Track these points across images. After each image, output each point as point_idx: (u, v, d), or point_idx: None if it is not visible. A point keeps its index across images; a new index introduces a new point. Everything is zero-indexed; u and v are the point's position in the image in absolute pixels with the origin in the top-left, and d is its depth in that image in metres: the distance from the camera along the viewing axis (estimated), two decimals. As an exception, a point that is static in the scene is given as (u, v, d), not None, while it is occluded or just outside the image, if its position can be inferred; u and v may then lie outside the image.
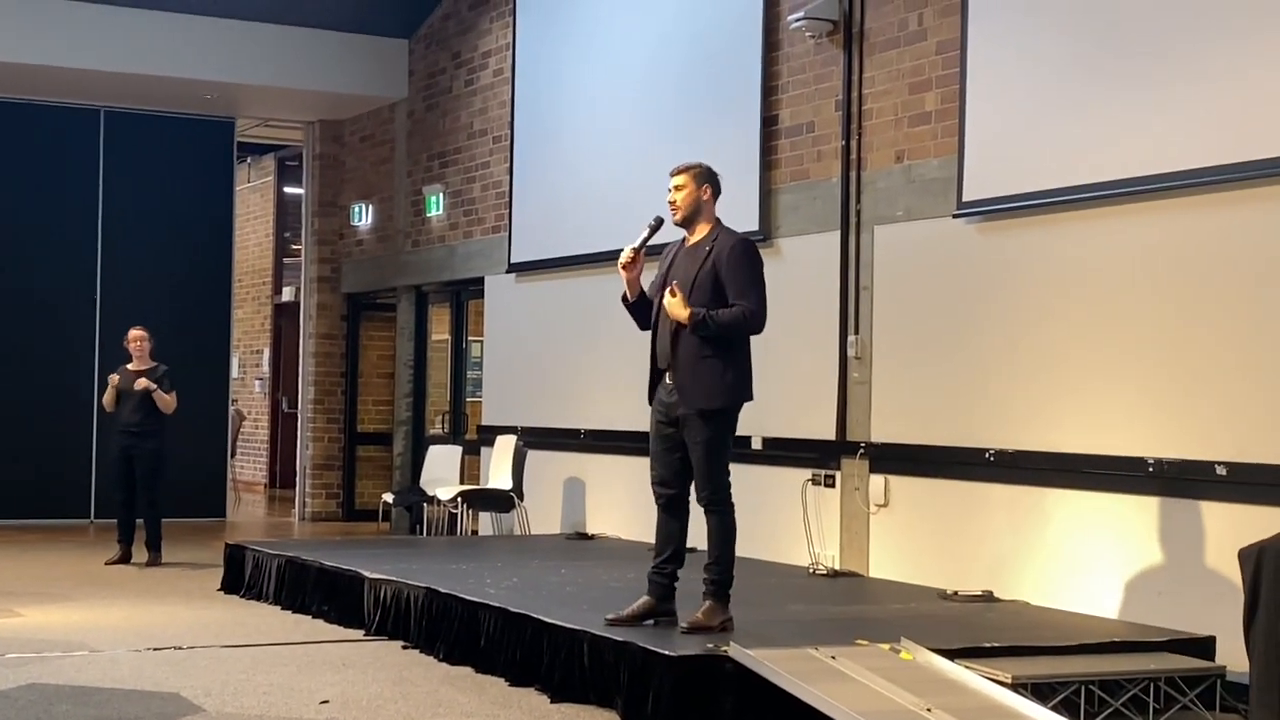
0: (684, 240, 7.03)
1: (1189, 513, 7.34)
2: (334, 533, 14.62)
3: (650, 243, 7.00)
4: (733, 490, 6.89)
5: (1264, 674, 5.55)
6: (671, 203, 6.95)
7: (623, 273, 6.95)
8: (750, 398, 6.95)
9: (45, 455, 14.92)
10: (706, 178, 6.95)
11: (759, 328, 6.83)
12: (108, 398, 11.71)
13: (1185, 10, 7.54)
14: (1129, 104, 7.76)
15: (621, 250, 6.96)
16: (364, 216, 15.86)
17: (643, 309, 7.03)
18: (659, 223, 7.00)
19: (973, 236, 8.69)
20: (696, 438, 6.80)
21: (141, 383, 11.42)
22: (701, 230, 6.94)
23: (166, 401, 11.52)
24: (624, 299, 7.06)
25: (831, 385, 9.49)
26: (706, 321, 6.71)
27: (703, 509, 6.88)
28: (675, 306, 6.75)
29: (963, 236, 8.73)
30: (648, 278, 7.06)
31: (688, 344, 6.80)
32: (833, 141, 9.67)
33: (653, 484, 7.01)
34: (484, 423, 13.42)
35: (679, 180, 6.95)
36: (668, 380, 6.88)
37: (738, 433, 7.01)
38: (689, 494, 6.97)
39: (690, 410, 6.78)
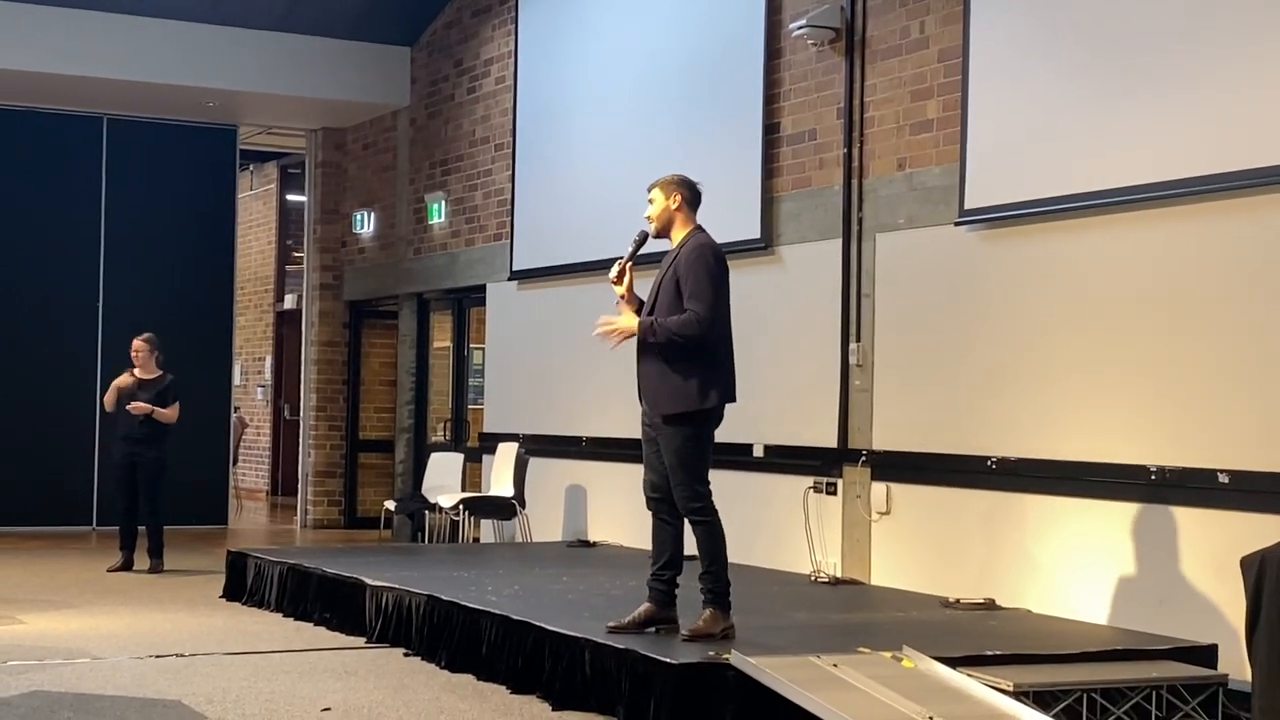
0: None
1: (1191, 521, 7.34)
2: (336, 540, 14.62)
3: (644, 253, 7.06)
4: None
5: (1266, 682, 5.54)
6: (647, 216, 7.08)
7: (615, 288, 7.01)
8: (729, 399, 6.93)
9: (48, 462, 14.92)
10: (675, 187, 7.03)
11: (704, 331, 6.76)
12: (109, 398, 11.73)
13: (1188, 19, 7.55)
14: (1131, 112, 7.77)
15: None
16: (366, 224, 15.87)
17: None
18: (644, 237, 7.09)
19: (975, 244, 8.69)
20: (668, 445, 6.83)
21: (139, 407, 11.45)
22: (677, 237, 7.03)
23: (166, 416, 11.55)
24: None
25: (833, 393, 9.49)
26: (654, 328, 6.79)
27: (687, 520, 6.89)
28: (621, 321, 6.87)
29: (964, 244, 8.73)
30: (643, 289, 7.09)
31: (649, 351, 6.87)
32: (835, 149, 9.68)
33: (644, 488, 7.04)
34: (486, 430, 13.42)
35: (651, 195, 7.09)
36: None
37: (741, 440, 7.02)
38: None
39: (656, 417, 6.82)
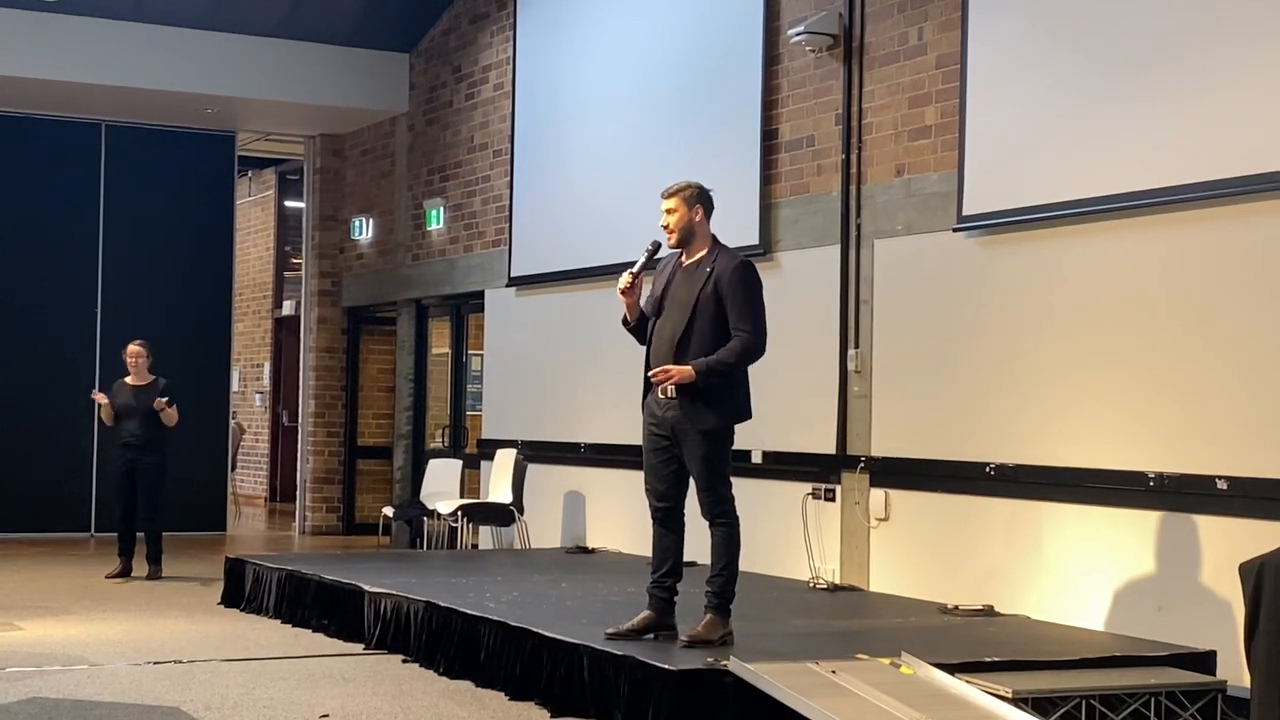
0: (679, 259, 7.03)
1: (1189, 527, 7.33)
2: (334, 546, 14.61)
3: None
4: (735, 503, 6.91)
5: (1265, 689, 5.54)
6: (665, 226, 6.98)
7: (622, 297, 6.96)
8: (749, 416, 6.98)
9: (46, 469, 14.90)
10: (697, 198, 6.95)
11: (761, 353, 6.86)
12: (105, 415, 11.69)
13: (1186, 26, 7.56)
14: (1129, 118, 7.77)
15: (621, 270, 7.00)
16: (364, 230, 15.87)
17: (643, 329, 7.04)
18: (656, 247, 7.04)
19: (973, 250, 8.69)
20: (696, 453, 6.81)
21: (158, 402, 11.40)
22: (699, 250, 6.96)
23: (171, 415, 11.52)
24: (624, 321, 7.07)
25: (832, 399, 9.49)
26: (712, 371, 6.73)
27: (707, 522, 6.88)
28: (675, 369, 6.73)
29: (963, 250, 8.74)
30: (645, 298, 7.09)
31: (689, 363, 6.82)
32: (833, 155, 9.68)
33: (648, 497, 7.02)
34: (484, 436, 13.41)
35: (670, 204, 6.97)
36: (660, 394, 6.89)
37: (738, 446, 7.03)
38: (684, 507, 6.97)
39: (693, 428, 6.79)
